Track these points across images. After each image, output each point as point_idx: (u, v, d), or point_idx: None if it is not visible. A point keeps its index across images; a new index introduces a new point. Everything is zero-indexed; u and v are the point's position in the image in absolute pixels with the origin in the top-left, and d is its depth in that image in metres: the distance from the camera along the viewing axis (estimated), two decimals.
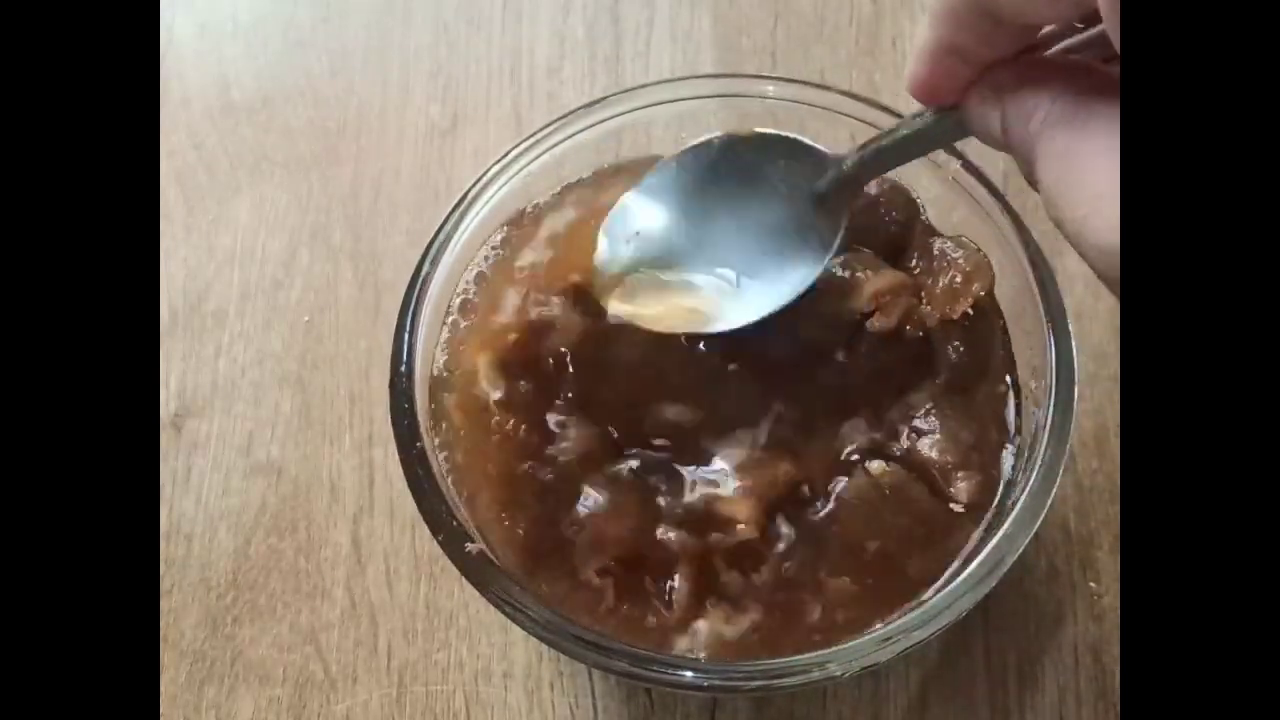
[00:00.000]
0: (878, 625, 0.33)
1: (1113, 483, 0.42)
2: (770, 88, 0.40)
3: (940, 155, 0.38)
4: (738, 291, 0.37)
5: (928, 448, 0.36)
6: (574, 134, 0.40)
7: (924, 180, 0.39)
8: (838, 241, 0.35)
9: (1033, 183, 0.26)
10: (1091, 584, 0.41)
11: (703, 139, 0.37)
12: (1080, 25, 0.28)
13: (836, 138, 0.40)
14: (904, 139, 0.32)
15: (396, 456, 0.35)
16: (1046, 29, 0.28)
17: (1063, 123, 0.25)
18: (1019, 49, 0.27)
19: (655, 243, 0.37)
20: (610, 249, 0.37)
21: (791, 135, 0.36)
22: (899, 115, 0.39)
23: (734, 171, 0.37)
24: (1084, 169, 0.24)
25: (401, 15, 0.55)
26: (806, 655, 0.32)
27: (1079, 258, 0.25)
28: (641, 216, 0.38)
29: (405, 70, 0.53)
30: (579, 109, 0.40)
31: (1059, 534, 0.42)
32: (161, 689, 0.41)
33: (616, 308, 0.37)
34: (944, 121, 0.30)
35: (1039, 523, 0.33)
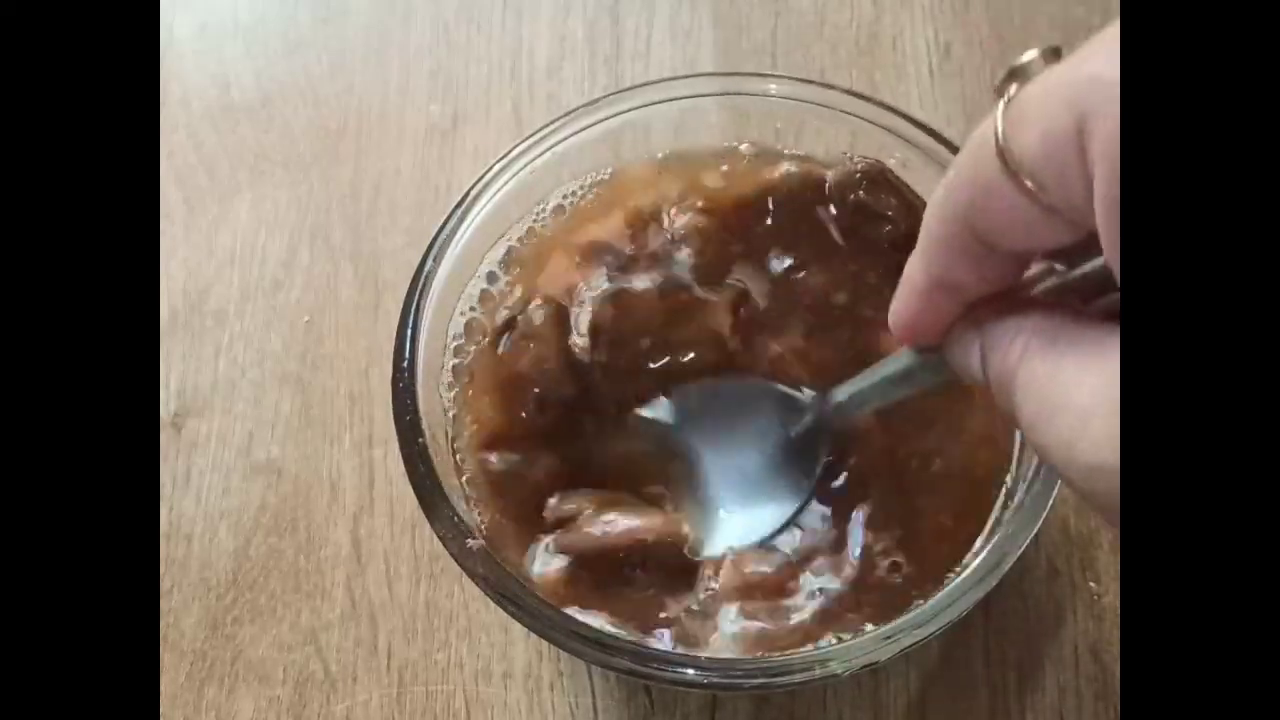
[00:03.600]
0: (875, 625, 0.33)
1: None
2: (772, 86, 0.40)
3: (947, 157, 0.38)
4: (717, 522, 0.37)
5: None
6: (575, 132, 0.40)
7: (933, 182, 0.39)
8: (813, 482, 0.36)
9: (1011, 416, 0.25)
10: (1091, 584, 0.41)
11: (679, 389, 0.38)
12: (1059, 268, 0.27)
13: (837, 136, 0.40)
14: (881, 382, 0.33)
15: (396, 456, 0.35)
16: (1033, 269, 0.27)
17: (1042, 352, 0.24)
18: (1004, 284, 0.27)
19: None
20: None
21: (764, 383, 0.38)
22: (899, 113, 0.39)
23: (711, 416, 0.38)
24: (1067, 391, 0.23)
25: (401, 15, 0.55)
26: (807, 653, 0.33)
27: None
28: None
29: (405, 70, 0.53)
30: (579, 108, 0.40)
31: (1059, 534, 0.42)
32: (161, 689, 0.41)
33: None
34: (923, 362, 0.30)
35: (1040, 522, 0.33)
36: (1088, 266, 0.25)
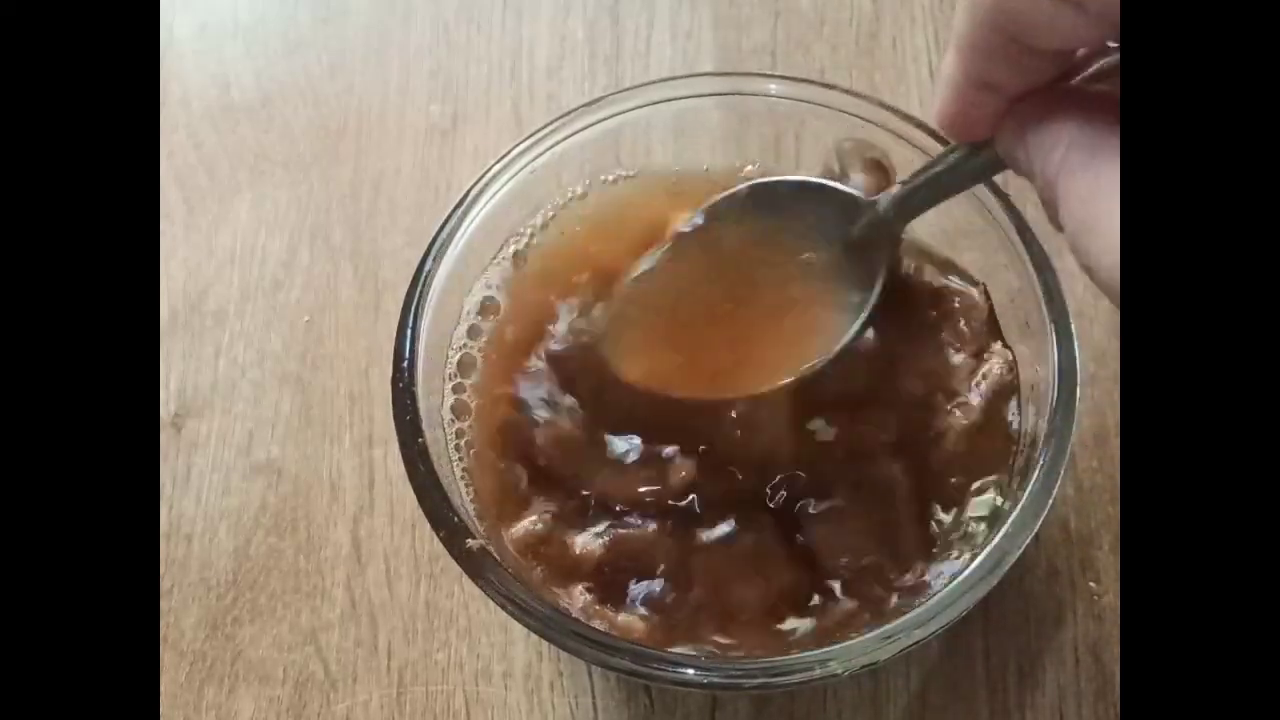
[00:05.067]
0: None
1: (1113, 483, 0.42)
2: (772, 86, 0.40)
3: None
4: (773, 348, 0.36)
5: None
6: (576, 132, 0.40)
7: None
8: (877, 290, 0.34)
9: (1055, 219, 0.25)
10: (1091, 584, 0.41)
11: (729, 191, 0.37)
12: (1113, 45, 0.26)
13: (837, 137, 0.40)
14: (937, 176, 0.32)
15: (396, 456, 0.35)
16: (1081, 52, 0.26)
17: (1078, 167, 0.24)
18: (1045, 80, 0.26)
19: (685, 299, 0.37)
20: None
21: (821, 181, 0.35)
22: (900, 113, 0.39)
23: (764, 219, 0.36)
24: (1097, 215, 0.23)
25: (401, 15, 0.55)
26: (807, 653, 0.32)
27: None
28: (669, 274, 0.37)
29: (405, 70, 0.53)
30: (580, 107, 0.40)
31: (1059, 534, 0.42)
32: (161, 689, 0.41)
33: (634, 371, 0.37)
34: (978, 157, 0.29)
35: (1039, 522, 0.33)
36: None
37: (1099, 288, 0.24)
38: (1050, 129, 0.25)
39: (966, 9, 0.25)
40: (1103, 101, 0.25)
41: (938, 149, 0.38)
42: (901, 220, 0.34)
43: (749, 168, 0.42)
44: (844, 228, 0.35)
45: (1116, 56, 0.26)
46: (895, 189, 0.33)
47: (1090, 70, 0.26)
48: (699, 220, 0.37)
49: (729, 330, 0.36)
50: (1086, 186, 0.24)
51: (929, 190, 0.32)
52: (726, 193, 0.37)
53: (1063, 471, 0.33)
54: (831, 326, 0.35)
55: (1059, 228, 0.25)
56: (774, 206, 0.36)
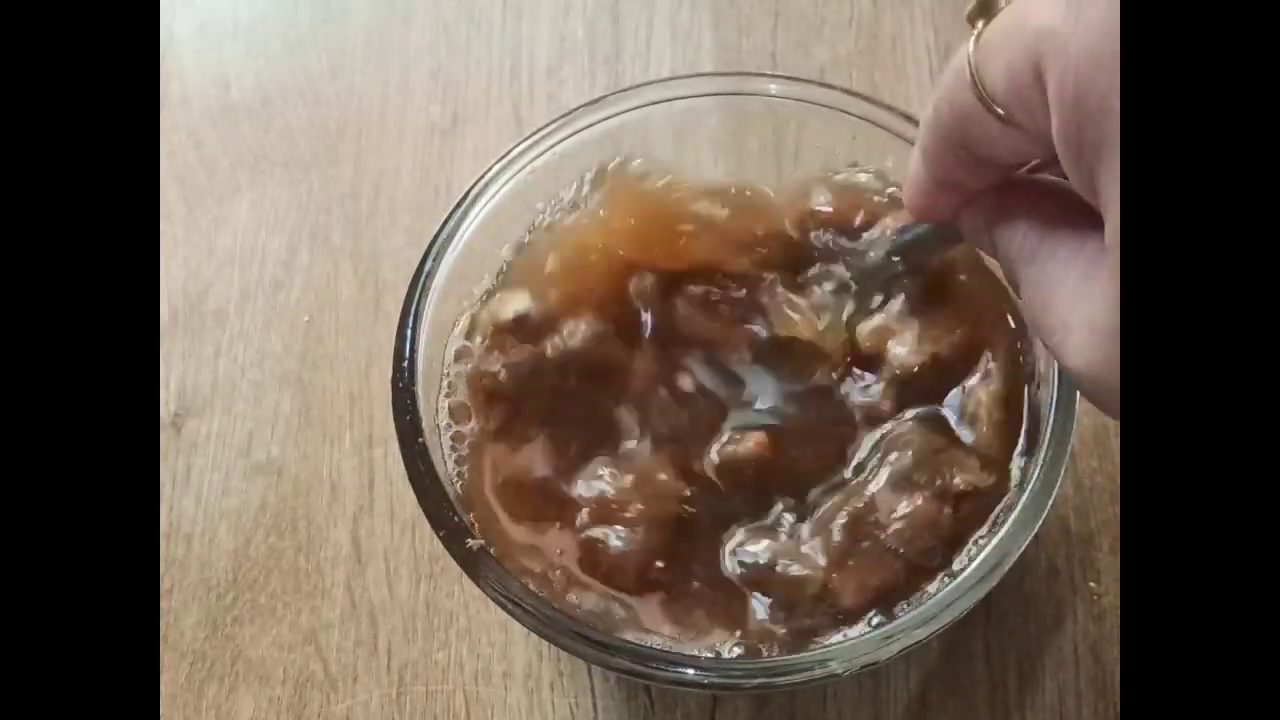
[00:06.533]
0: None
1: (1113, 483, 0.42)
2: (772, 86, 0.40)
3: None
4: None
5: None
6: (576, 132, 0.40)
7: None
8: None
9: (1017, 299, 0.28)
10: (1091, 584, 0.41)
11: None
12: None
13: (837, 137, 0.40)
14: (907, 244, 0.36)
15: (396, 456, 0.35)
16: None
17: (1034, 255, 0.27)
18: (1003, 179, 0.29)
19: None
20: None
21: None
22: (901, 113, 0.39)
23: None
24: (1051, 300, 0.26)
25: (401, 15, 0.55)
26: (807, 653, 0.33)
27: None
28: None
29: (405, 70, 0.53)
30: (580, 107, 0.40)
31: (1059, 534, 0.42)
32: (161, 689, 0.41)
33: None
34: (945, 231, 0.32)
35: (1040, 522, 0.33)
36: None
37: (1065, 372, 0.26)
38: (1007, 220, 0.28)
39: (927, 124, 0.28)
40: (1052, 189, 0.28)
41: None
42: (870, 285, 0.38)
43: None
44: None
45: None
46: (868, 248, 0.37)
47: (1034, 162, 0.28)
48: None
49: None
50: (1040, 271, 0.26)
51: (898, 253, 0.36)
52: None
53: (1063, 472, 0.33)
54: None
55: (1020, 300, 0.28)
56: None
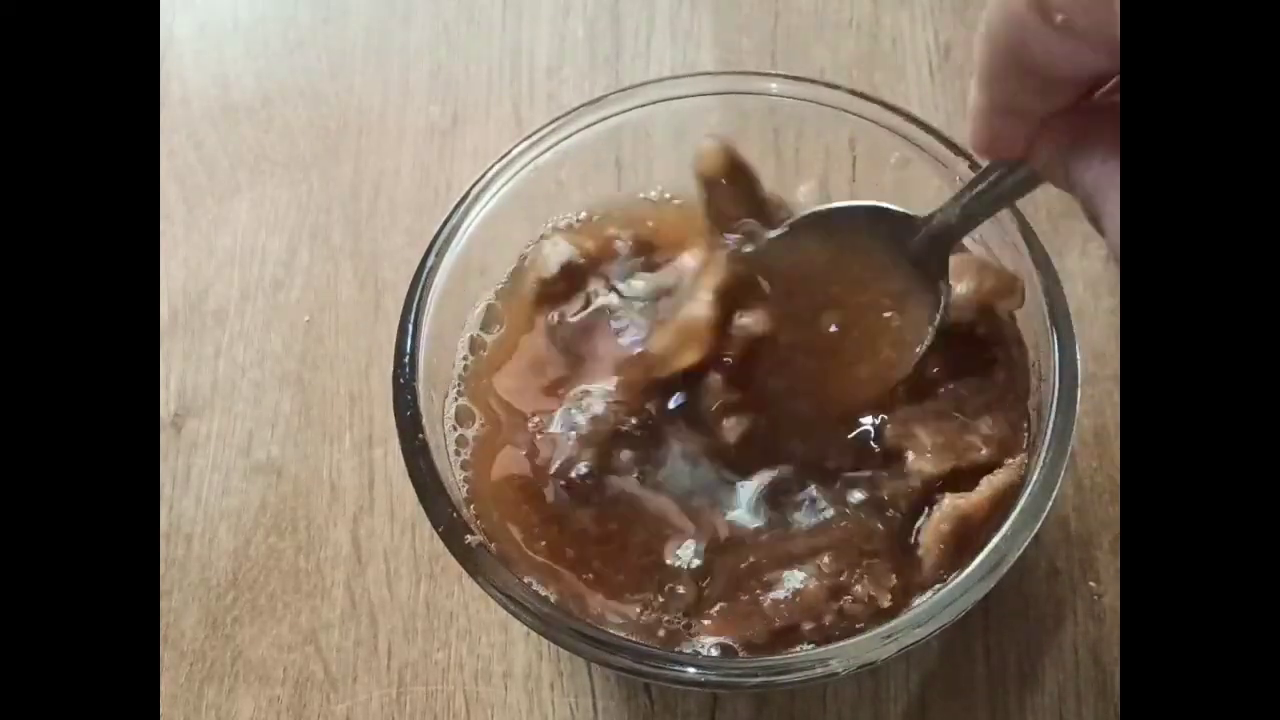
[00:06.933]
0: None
1: (1113, 483, 0.42)
2: (772, 85, 0.40)
3: (948, 156, 0.38)
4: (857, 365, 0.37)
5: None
6: (577, 130, 0.40)
7: (934, 181, 0.39)
8: (943, 301, 0.35)
9: (1101, 233, 0.25)
10: (1091, 584, 0.41)
11: (790, 221, 0.37)
12: None
13: (837, 137, 0.40)
14: (982, 194, 0.32)
15: (396, 456, 0.35)
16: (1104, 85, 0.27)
17: (1115, 184, 0.25)
18: (1071, 102, 0.26)
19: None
20: None
21: (873, 203, 0.36)
22: (900, 111, 0.39)
23: (825, 244, 0.37)
24: None
25: (401, 15, 0.55)
26: (807, 652, 0.33)
27: (1078, 256, 0.25)
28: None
29: (405, 70, 0.53)
30: (582, 106, 0.40)
31: (1059, 534, 0.42)
32: (161, 689, 0.41)
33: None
34: (1018, 174, 0.30)
35: (1040, 523, 0.33)
36: None
37: None
38: (1082, 147, 0.26)
39: (982, 42, 0.26)
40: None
41: (937, 147, 0.38)
42: (954, 234, 0.34)
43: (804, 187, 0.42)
44: (900, 247, 0.35)
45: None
46: (943, 207, 0.34)
47: (1112, 83, 0.26)
48: (755, 250, 0.38)
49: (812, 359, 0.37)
50: (1116, 203, 0.24)
51: (978, 206, 0.33)
52: (778, 232, 0.37)
53: (1063, 472, 0.33)
54: (906, 339, 0.36)
55: (1104, 235, 0.25)
56: (828, 234, 0.37)
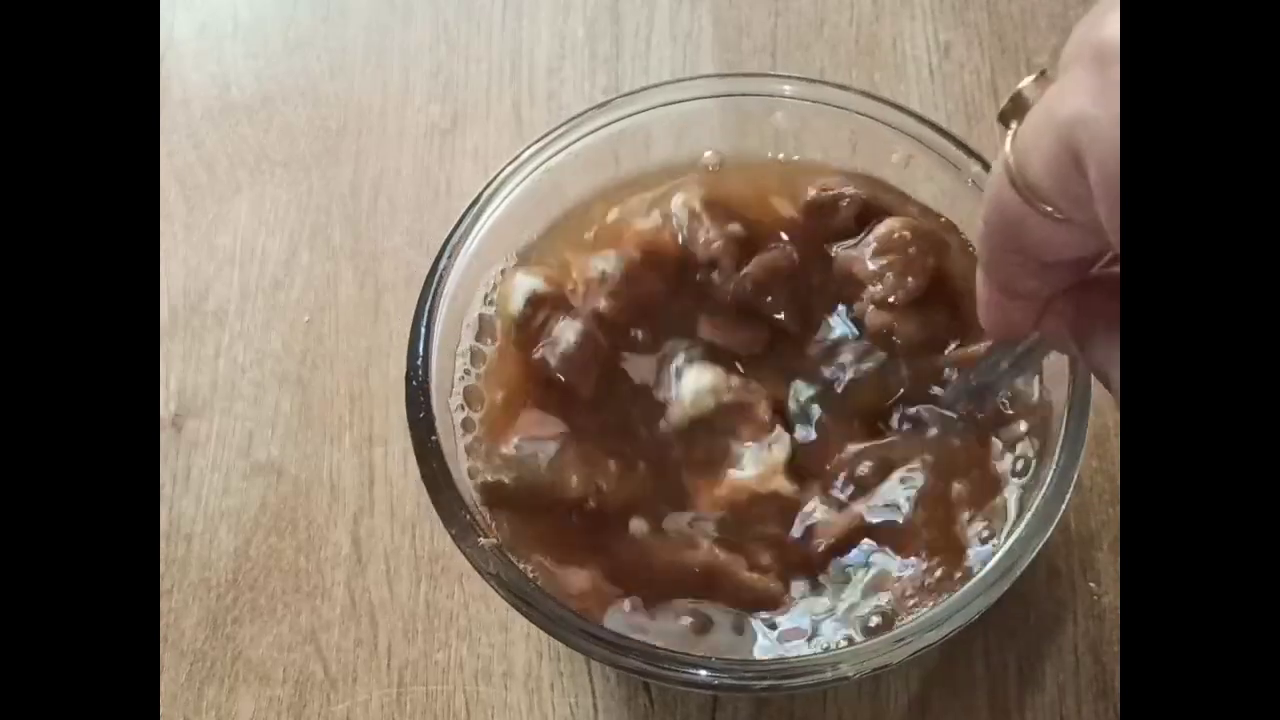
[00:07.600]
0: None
1: (1113, 483, 0.42)
2: (779, 86, 0.40)
3: (960, 158, 0.38)
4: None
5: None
6: (590, 132, 0.40)
7: (945, 184, 0.39)
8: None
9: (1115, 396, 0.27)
10: (1091, 584, 0.41)
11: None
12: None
13: (837, 137, 0.40)
14: (999, 368, 0.34)
15: (397, 456, 0.35)
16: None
17: (1117, 359, 0.26)
18: (1075, 281, 0.27)
19: None
20: None
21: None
22: (902, 109, 0.39)
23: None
24: None
25: (401, 15, 0.55)
26: (818, 655, 0.33)
27: None
28: None
29: (405, 70, 0.53)
30: (592, 109, 0.40)
31: (1059, 534, 0.42)
32: (161, 689, 0.41)
33: None
34: (1033, 346, 0.31)
35: (1053, 528, 0.33)
36: None
37: None
38: (1088, 324, 0.27)
39: (982, 239, 0.27)
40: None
41: (941, 143, 0.38)
42: (966, 408, 0.37)
43: None
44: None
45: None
46: (962, 382, 0.36)
47: (1110, 254, 0.27)
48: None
49: None
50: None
51: (992, 379, 0.35)
52: None
53: (1075, 476, 0.33)
54: None
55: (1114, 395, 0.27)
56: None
